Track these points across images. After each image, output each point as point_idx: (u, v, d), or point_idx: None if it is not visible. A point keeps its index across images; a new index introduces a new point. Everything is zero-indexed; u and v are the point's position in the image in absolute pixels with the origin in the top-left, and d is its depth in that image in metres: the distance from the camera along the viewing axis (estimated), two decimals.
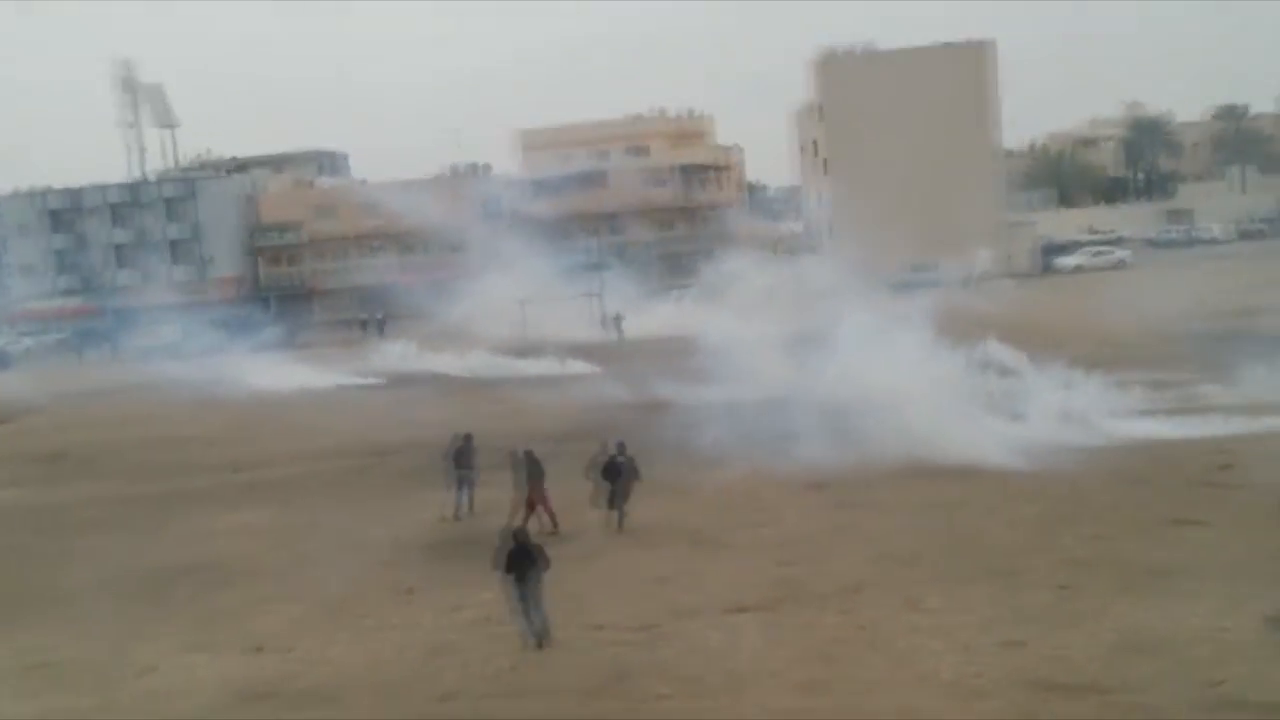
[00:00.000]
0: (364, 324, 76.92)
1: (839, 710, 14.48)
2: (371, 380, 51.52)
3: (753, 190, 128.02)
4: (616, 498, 23.46)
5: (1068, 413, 28.95)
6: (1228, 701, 13.83)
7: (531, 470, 23.47)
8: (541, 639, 17.30)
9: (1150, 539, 19.92)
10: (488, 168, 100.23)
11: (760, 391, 31.47)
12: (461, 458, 25.78)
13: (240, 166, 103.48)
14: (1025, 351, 32.33)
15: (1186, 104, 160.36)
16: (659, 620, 18.12)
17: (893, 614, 17.53)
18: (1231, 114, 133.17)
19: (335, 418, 41.73)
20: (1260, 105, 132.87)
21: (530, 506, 23.09)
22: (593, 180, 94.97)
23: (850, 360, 30.11)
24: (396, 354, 55.65)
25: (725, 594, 18.78)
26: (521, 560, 17.38)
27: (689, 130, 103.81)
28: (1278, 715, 13.58)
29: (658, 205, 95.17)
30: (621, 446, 24.07)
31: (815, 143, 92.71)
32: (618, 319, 59.15)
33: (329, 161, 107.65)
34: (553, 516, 23.26)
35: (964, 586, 18.45)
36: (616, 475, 23.55)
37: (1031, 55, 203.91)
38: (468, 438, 26.15)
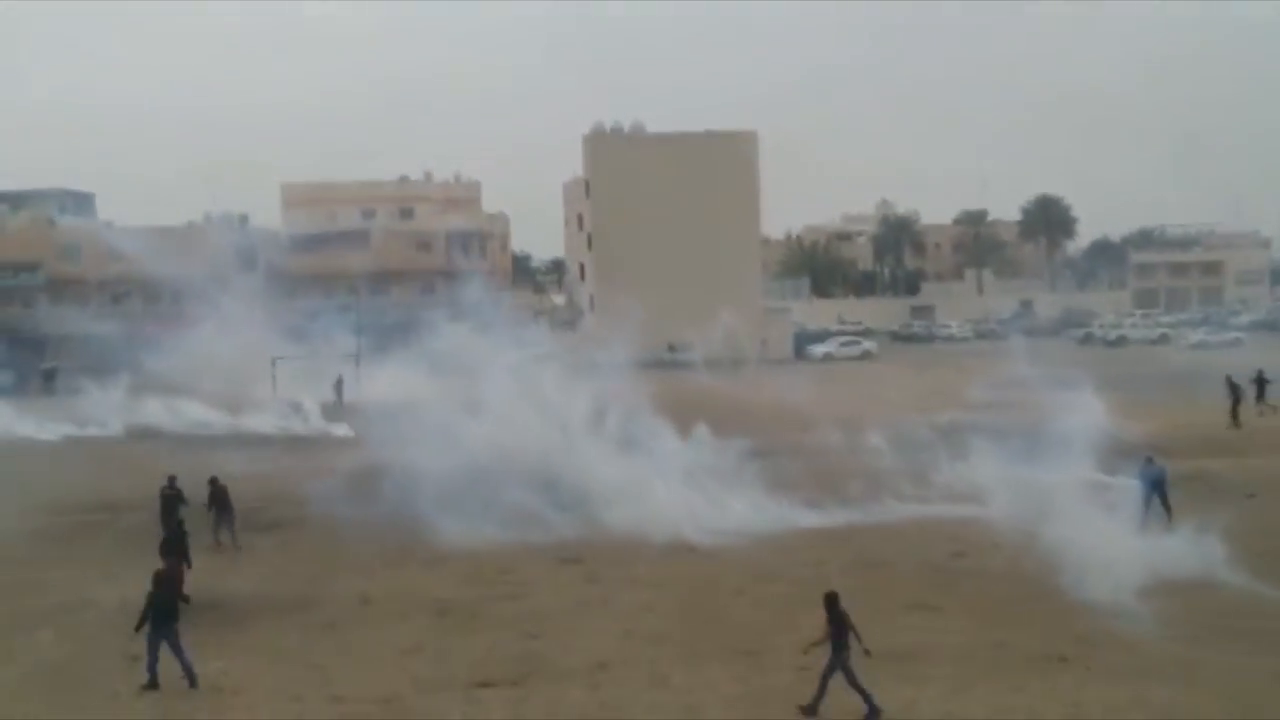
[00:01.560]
0: (45, 374, 72.19)
1: None
2: (104, 432, 48.80)
3: (519, 260, 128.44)
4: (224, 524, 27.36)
5: (806, 496, 30.04)
6: None
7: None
8: (192, 679, 17.93)
9: (889, 623, 20.56)
10: (245, 218, 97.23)
11: (486, 461, 31.07)
12: (216, 500, 27.61)
13: None
14: (769, 435, 33.20)
15: (933, 207, 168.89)
16: (402, 693, 17.74)
17: (638, 692, 17.61)
18: (972, 220, 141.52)
19: (63, 470, 39.53)
20: (999, 213, 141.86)
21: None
22: (355, 240, 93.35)
23: (575, 435, 30.82)
24: (112, 406, 52.19)
25: (472, 668, 18.53)
26: (163, 604, 18.09)
27: (456, 196, 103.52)
28: None
29: (421, 269, 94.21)
30: (213, 480, 27.65)
31: (581, 217, 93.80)
32: (339, 382, 57.27)
33: (73, 201, 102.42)
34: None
35: (709, 665, 18.69)
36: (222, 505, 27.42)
37: (791, 148, 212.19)
38: (213, 481, 27.83)
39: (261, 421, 48.41)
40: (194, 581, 23.88)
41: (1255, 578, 22.32)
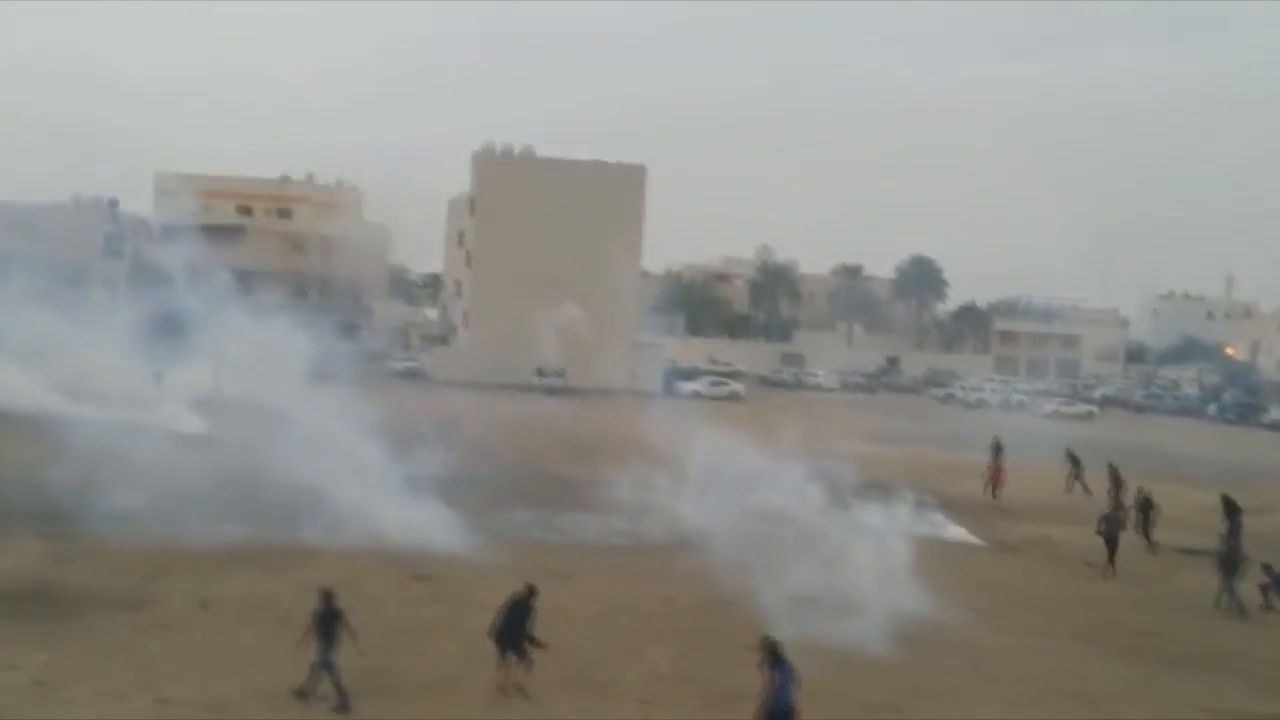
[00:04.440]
0: None
1: None
2: None
3: (395, 272, 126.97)
4: None
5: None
6: None
7: None
8: None
9: (730, 661, 20.57)
10: (116, 203, 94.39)
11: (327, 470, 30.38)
12: None
13: None
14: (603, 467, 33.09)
15: (811, 257, 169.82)
16: (233, 699, 17.24)
17: (485, 713, 17.39)
18: (848, 273, 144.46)
19: None
20: (874, 270, 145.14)
21: None
22: (230, 235, 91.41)
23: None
24: None
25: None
26: None
27: (336, 200, 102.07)
28: None
29: (295, 272, 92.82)
30: None
31: (463, 234, 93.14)
32: (159, 376, 53.85)
33: None
34: None
35: (551, 693, 18.49)
36: None
37: (678, 185, 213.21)
38: None
39: (107, 407, 46.08)
40: (21, 569, 23.15)
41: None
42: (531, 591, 18.68)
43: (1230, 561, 28.61)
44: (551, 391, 73.76)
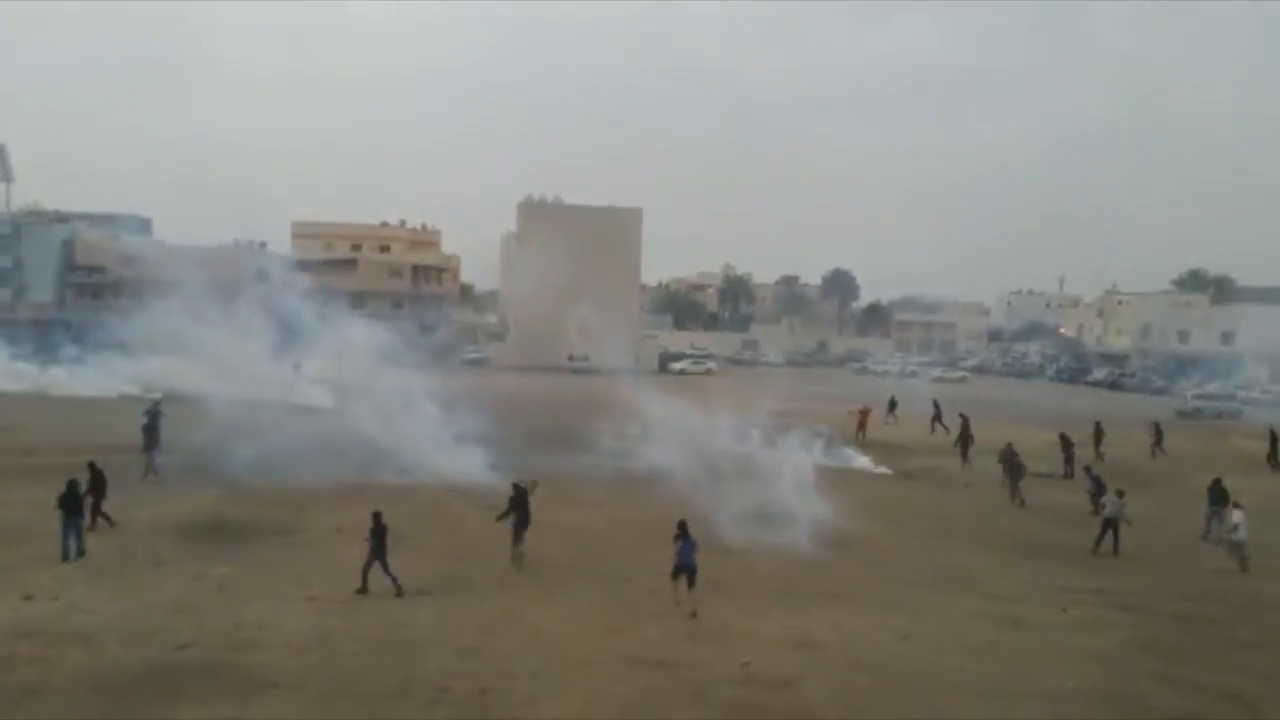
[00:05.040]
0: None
1: (487, 671, 14.26)
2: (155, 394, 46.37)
3: (465, 288, 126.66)
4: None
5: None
6: (754, 678, 14.47)
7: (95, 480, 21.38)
8: (71, 557, 18.63)
9: (713, 559, 20.64)
10: (264, 244, 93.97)
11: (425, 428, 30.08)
12: (151, 427, 27.80)
13: (62, 218, 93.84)
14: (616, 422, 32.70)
15: (760, 270, 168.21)
16: (359, 597, 17.34)
17: (531, 603, 17.46)
18: (789, 282, 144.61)
19: (119, 419, 37.73)
20: (807, 279, 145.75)
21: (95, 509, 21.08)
22: (345, 267, 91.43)
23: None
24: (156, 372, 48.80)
25: (413, 580, 18.11)
26: (72, 501, 18.99)
27: (422, 239, 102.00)
28: (779, 691, 14.21)
29: (393, 290, 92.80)
30: None
31: (512, 260, 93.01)
32: (297, 366, 53.48)
33: (137, 223, 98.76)
34: (106, 517, 21.28)
35: (584, 586, 18.60)
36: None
37: (664, 217, 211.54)
38: (154, 410, 29.00)
39: (260, 390, 45.86)
40: (206, 508, 23.23)
41: (972, 544, 22.94)
42: (523, 489, 19.97)
43: (1015, 470, 28.92)
44: (578, 372, 73.65)
